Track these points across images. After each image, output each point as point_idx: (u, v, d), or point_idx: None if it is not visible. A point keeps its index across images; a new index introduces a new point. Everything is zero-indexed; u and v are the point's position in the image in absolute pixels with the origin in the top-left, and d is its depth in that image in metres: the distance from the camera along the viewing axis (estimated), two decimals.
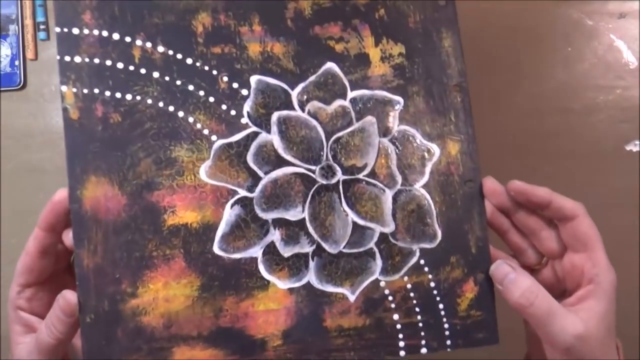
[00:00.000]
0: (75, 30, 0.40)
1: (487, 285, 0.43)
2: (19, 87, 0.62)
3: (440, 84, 0.43)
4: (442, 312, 0.42)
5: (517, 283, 0.41)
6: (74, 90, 0.40)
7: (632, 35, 0.66)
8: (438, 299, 0.42)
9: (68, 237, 0.41)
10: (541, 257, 0.45)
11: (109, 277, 0.39)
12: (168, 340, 0.39)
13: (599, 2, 0.66)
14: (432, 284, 0.42)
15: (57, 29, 0.40)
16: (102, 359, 0.39)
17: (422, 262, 0.42)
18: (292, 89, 0.42)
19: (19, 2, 0.63)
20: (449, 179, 0.43)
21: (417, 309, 0.42)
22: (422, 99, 0.43)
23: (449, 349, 0.42)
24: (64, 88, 0.40)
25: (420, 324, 0.42)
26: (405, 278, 0.42)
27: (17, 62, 0.62)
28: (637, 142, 0.65)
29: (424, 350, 0.42)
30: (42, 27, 0.63)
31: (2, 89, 0.62)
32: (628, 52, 0.66)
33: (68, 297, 0.39)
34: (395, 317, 0.42)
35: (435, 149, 0.43)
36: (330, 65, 0.42)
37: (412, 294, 0.42)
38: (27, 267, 0.41)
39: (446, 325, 0.42)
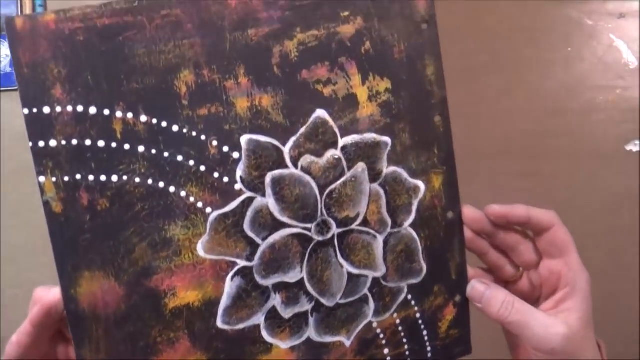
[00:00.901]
0: (46, 110, 0.50)
1: (464, 304, 0.64)
2: None
3: (424, 116, 0.61)
4: (426, 338, 0.64)
5: (494, 298, 0.63)
6: (54, 179, 0.50)
7: (632, 35, 0.88)
8: (422, 327, 0.63)
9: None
10: (517, 269, 0.67)
11: None
12: None
13: (598, 2, 0.86)
14: (418, 315, 0.63)
15: (25, 111, 0.49)
16: None
17: (409, 297, 0.62)
18: (284, 144, 0.56)
19: (19, 2, 0.82)
20: (433, 213, 0.62)
21: (405, 340, 0.63)
22: (408, 135, 0.60)
23: None
24: (41, 179, 0.50)
25: (407, 352, 0.63)
26: (395, 315, 0.62)
27: None
28: (637, 142, 0.87)
29: None
30: None
31: (2, 89, 0.81)
32: (628, 52, 0.88)
33: None
34: (386, 351, 0.62)
35: (420, 185, 0.61)
36: (319, 113, 0.57)
37: (400, 328, 0.63)
38: (18, 354, 0.53)
39: (429, 348, 0.64)
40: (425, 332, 0.64)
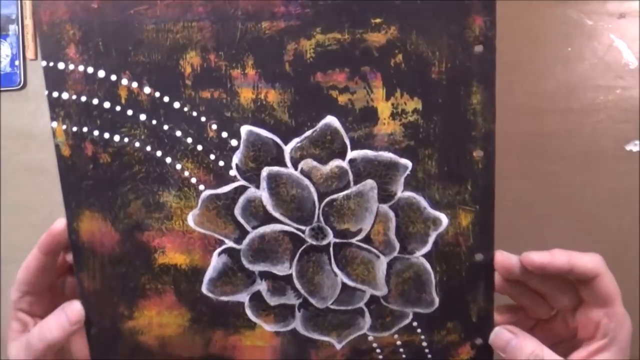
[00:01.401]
0: (61, 65, 0.66)
1: (486, 349, 0.70)
2: (19, 87, 0.95)
3: (460, 148, 0.65)
4: None
5: (520, 349, 0.67)
6: (64, 127, 0.68)
7: (632, 35, 0.94)
8: (430, 356, 0.71)
9: (69, 256, 0.73)
10: (551, 309, 0.70)
11: (107, 300, 0.72)
12: (163, 357, 0.73)
13: (598, 2, 0.91)
14: (424, 344, 0.70)
15: (43, 63, 0.66)
16: None
17: (414, 324, 0.69)
18: (285, 143, 0.66)
19: (19, 2, 0.94)
20: (455, 250, 0.67)
21: None
22: (435, 163, 0.65)
23: None
24: (54, 124, 0.68)
25: None
26: (396, 336, 0.70)
27: (17, 62, 0.94)
28: (637, 142, 0.92)
29: None
30: None
31: (2, 89, 0.95)
32: (628, 52, 0.92)
33: (77, 307, 0.72)
34: None
35: (443, 218, 0.66)
36: (330, 119, 0.65)
37: (401, 350, 0.71)
38: (27, 280, 0.73)
39: None
40: None
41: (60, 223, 0.71)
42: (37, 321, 0.74)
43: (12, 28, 0.97)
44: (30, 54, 0.96)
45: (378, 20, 0.63)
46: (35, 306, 0.76)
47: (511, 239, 0.79)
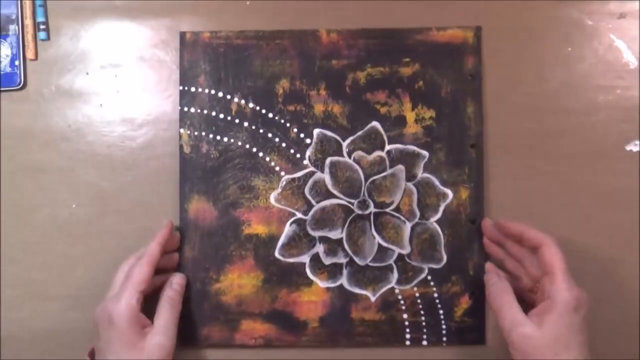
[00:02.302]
0: (193, 89, 0.99)
1: (479, 298, 0.99)
2: (19, 87, 1.07)
3: (460, 143, 0.99)
4: (442, 316, 0.99)
5: (493, 273, 0.97)
6: (188, 132, 0.99)
7: (632, 35, 1.04)
8: (439, 306, 0.99)
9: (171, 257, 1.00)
10: (534, 282, 0.97)
11: (201, 266, 1.00)
12: (238, 314, 1.00)
13: (599, 2, 1.04)
14: (435, 295, 0.99)
15: (181, 87, 1.00)
16: (194, 323, 0.99)
17: (429, 277, 0.99)
18: (344, 140, 0.99)
19: (19, 2, 1.06)
20: (457, 217, 0.99)
21: (422, 312, 0.99)
22: (444, 154, 0.99)
23: (444, 344, 0.99)
24: (181, 130, 0.99)
25: (424, 323, 0.99)
26: (415, 288, 0.99)
27: (17, 62, 1.07)
28: (637, 142, 1.01)
29: (424, 343, 0.99)
30: (42, 27, 1.08)
31: (2, 89, 1.06)
32: (628, 52, 1.04)
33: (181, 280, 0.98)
34: (405, 316, 0.99)
35: (449, 193, 0.99)
36: (374, 123, 0.99)
37: (419, 301, 0.99)
38: (146, 276, 0.94)
39: (444, 326, 0.99)
40: (441, 311, 0.99)
41: (170, 223, 0.98)
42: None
43: (12, 28, 1.07)
44: (30, 54, 1.07)
45: (407, 59, 1.00)
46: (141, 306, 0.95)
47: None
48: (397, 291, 1.00)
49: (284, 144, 1.00)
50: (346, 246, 0.99)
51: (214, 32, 1.01)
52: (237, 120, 1.00)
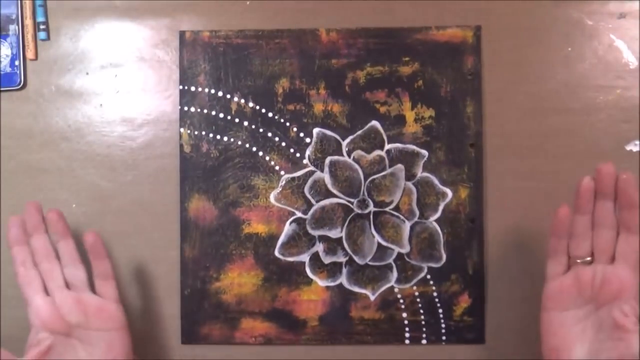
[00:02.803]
0: (193, 88, 1.00)
1: (478, 298, 1.00)
2: (19, 87, 1.08)
3: (459, 142, 1.00)
4: (441, 315, 1.00)
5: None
6: (188, 132, 1.00)
7: (632, 35, 1.05)
8: (439, 305, 1.00)
9: None
10: (591, 255, 0.88)
11: (201, 265, 1.00)
12: (238, 313, 1.00)
13: (599, 2, 1.05)
14: (435, 294, 1.00)
15: (180, 87, 1.00)
16: (194, 321, 1.00)
17: (428, 277, 1.00)
18: (343, 139, 1.00)
19: (19, 2, 1.06)
20: (456, 216, 1.00)
21: (422, 311, 1.00)
22: (443, 153, 1.00)
23: (443, 343, 1.00)
24: (182, 130, 1.00)
25: (423, 322, 1.00)
26: (414, 287, 1.00)
27: (17, 62, 1.07)
28: (637, 142, 1.02)
29: (424, 341, 1.00)
30: (42, 27, 1.08)
31: (2, 89, 1.06)
32: (628, 52, 1.04)
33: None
34: (404, 315, 1.00)
35: (448, 192, 1.00)
36: (374, 123, 1.00)
37: (418, 299, 1.00)
38: None
39: (443, 325, 1.00)
40: (440, 310, 1.00)
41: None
42: None
43: (12, 28, 1.08)
44: (30, 54, 1.08)
45: (406, 59, 1.00)
46: None
47: (511, 238, 1.05)
48: (396, 290, 1.01)
49: (283, 143, 1.00)
50: (346, 245, 1.00)
51: (213, 31, 1.01)
52: (237, 120, 1.00)
